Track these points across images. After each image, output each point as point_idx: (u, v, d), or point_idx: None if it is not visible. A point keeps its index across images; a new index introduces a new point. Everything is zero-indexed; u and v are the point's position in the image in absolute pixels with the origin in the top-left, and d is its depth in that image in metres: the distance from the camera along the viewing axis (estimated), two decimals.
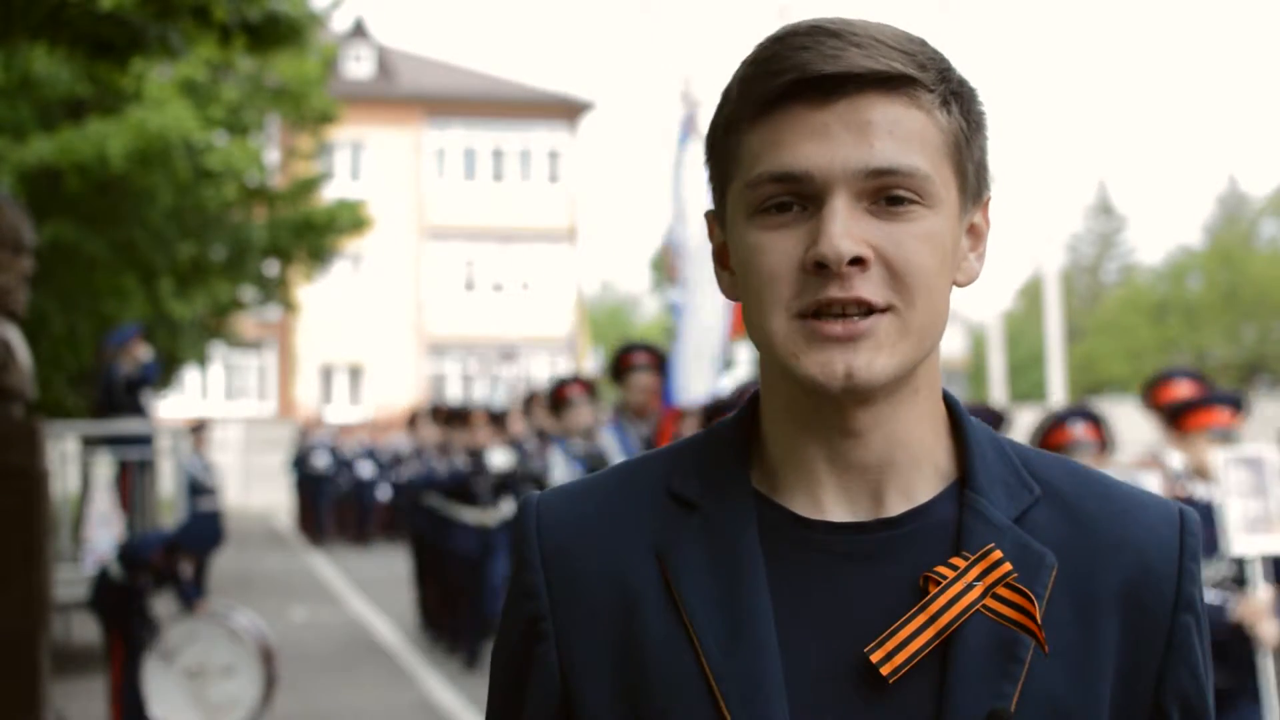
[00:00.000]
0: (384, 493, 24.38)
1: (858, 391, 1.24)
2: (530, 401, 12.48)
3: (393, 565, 19.72)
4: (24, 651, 5.32)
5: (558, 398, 8.32)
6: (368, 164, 40.33)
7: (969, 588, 1.24)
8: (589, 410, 8.28)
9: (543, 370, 40.81)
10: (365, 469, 24.70)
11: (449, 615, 12.61)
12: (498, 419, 12.53)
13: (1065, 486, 1.33)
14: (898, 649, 1.23)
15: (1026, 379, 48.53)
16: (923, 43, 1.27)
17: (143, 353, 12.44)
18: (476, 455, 12.06)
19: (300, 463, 25.42)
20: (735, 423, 1.36)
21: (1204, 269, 50.20)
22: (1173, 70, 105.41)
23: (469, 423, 12.55)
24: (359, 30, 41.04)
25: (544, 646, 1.31)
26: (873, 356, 1.22)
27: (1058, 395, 28.52)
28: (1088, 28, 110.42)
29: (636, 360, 7.55)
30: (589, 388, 8.46)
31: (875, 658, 1.22)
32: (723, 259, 1.34)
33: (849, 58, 1.21)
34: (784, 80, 1.23)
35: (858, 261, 1.21)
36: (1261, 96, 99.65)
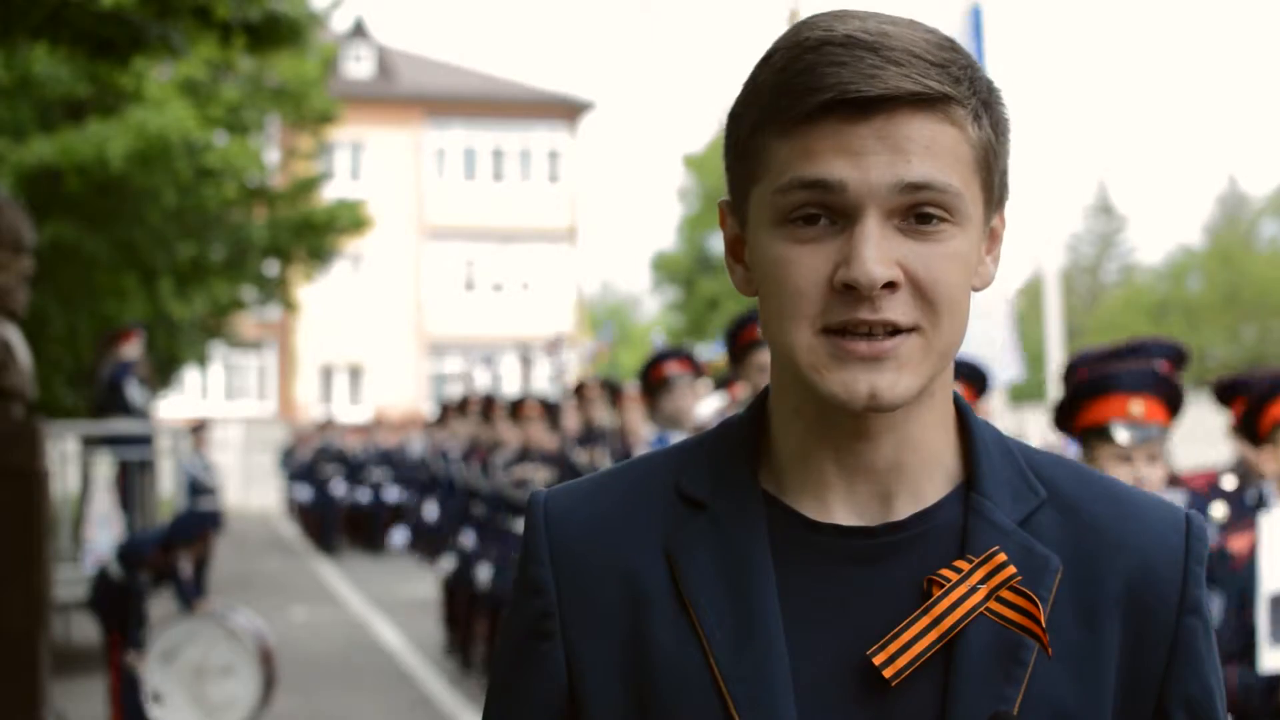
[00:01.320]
0: (395, 498, 22.25)
1: (881, 410, 1.24)
2: (581, 392, 10.20)
3: (408, 577, 19.71)
4: (24, 651, 5.32)
5: (653, 379, 6.71)
6: (368, 164, 40.33)
7: (972, 590, 1.24)
8: (694, 394, 6.76)
9: (541, 371, 40.79)
10: (378, 475, 22.91)
11: (490, 638, 10.94)
12: (550, 410, 10.63)
13: (1071, 489, 1.33)
14: (900, 651, 1.23)
15: (1026, 379, 48.57)
16: (953, 47, 1.26)
17: (127, 350, 12.36)
18: (526, 454, 10.22)
19: (308, 470, 23.75)
20: (745, 421, 1.36)
21: (1204, 269, 50.20)
22: (1173, 70, 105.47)
23: (520, 416, 10.52)
24: (359, 30, 41.03)
25: (550, 644, 1.31)
26: (897, 377, 1.22)
27: (1057, 395, 28.51)
28: (1088, 28, 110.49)
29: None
30: (693, 365, 6.91)
31: (878, 660, 1.22)
32: (736, 252, 1.33)
33: (887, 77, 1.20)
34: (821, 99, 1.21)
35: (888, 285, 1.21)
36: (1261, 96, 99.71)
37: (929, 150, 1.22)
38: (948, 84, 1.22)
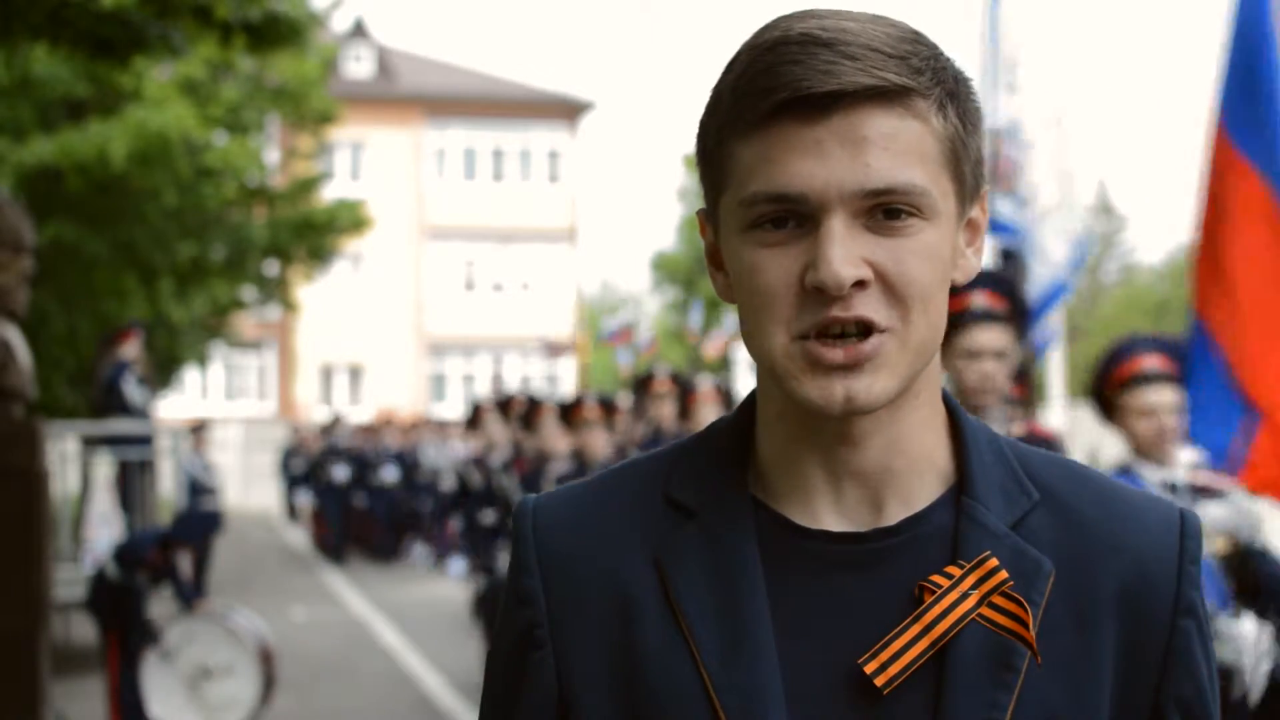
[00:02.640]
0: (422, 505, 20.50)
1: (858, 414, 1.23)
2: (644, 388, 8.63)
3: (409, 578, 19.62)
4: (24, 651, 5.32)
5: None
6: (368, 164, 40.32)
7: (964, 597, 1.23)
8: None
9: (543, 370, 40.81)
10: (390, 475, 21.13)
11: None
12: (611, 413, 8.67)
13: (1064, 490, 1.31)
14: (892, 660, 1.22)
15: None
16: (915, 39, 1.24)
17: (126, 349, 12.36)
18: (584, 467, 8.15)
19: (313, 471, 21.93)
20: (733, 425, 1.35)
21: None
22: (1173, 70, 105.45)
23: (576, 420, 8.33)
24: (359, 30, 41.02)
25: (540, 654, 1.31)
26: (873, 380, 1.21)
27: (1058, 395, 28.49)
28: (1087, 27, 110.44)
29: (976, 302, 4.10)
30: None
31: (869, 669, 1.22)
32: (715, 259, 1.32)
33: (842, 72, 1.19)
34: (776, 99, 1.20)
35: (858, 284, 1.20)
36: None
37: (888, 149, 1.20)
38: (907, 75, 1.21)
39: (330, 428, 23.42)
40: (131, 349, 12.36)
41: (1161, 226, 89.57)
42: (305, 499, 22.69)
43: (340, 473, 21.17)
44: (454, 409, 33.15)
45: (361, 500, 21.14)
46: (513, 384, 38.87)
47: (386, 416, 24.12)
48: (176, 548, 8.09)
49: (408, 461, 21.36)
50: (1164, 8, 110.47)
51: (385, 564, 20.36)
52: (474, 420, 13.06)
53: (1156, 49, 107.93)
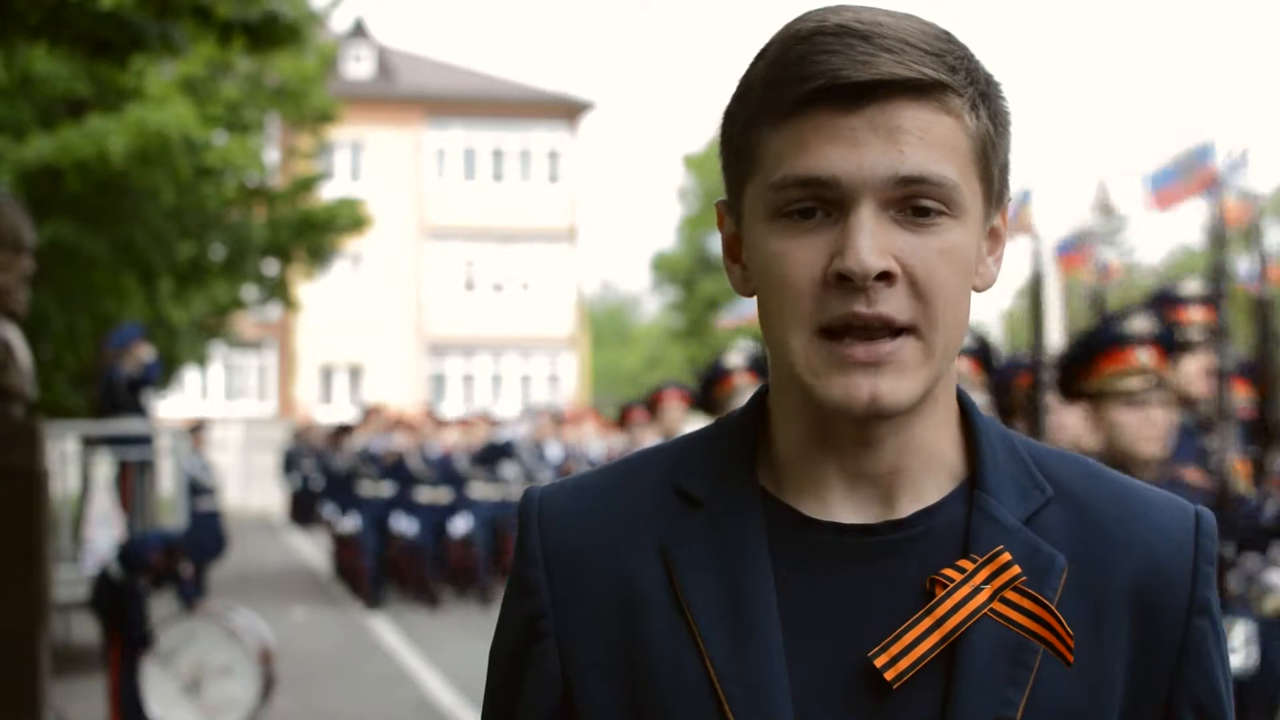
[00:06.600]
0: (462, 526, 16.05)
1: (882, 416, 1.22)
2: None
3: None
4: (24, 651, 5.31)
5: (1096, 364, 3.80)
6: (368, 164, 40.29)
7: (976, 591, 1.22)
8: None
9: (542, 370, 40.81)
10: (437, 497, 16.20)
11: None
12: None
13: (1078, 486, 1.30)
14: (902, 654, 1.21)
15: None
16: (949, 38, 1.24)
17: (145, 353, 12.45)
18: None
19: (343, 485, 17.32)
20: (744, 418, 1.33)
21: (1204, 269, 50.18)
22: (1173, 70, 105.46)
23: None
24: (359, 30, 40.99)
25: (544, 645, 1.29)
26: (896, 382, 1.20)
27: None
28: (1088, 27, 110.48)
29: None
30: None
31: (879, 662, 1.20)
32: (733, 251, 1.31)
33: (880, 63, 1.19)
34: (812, 86, 1.20)
35: (883, 276, 1.19)
36: (1262, 97, 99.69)
37: (923, 140, 1.20)
38: (943, 72, 1.21)
39: (363, 423, 18.43)
40: (148, 352, 12.48)
41: (1161, 226, 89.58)
42: (335, 515, 17.83)
43: (387, 490, 16.44)
44: (453, 409, 33.11)
45: (404, 525, 16.20)
46: (512, 386, 38.85)
47: (426, 411, 19.72)
48: (183, 558, 8.09)
49: (453, 475, 16.53)
50: (1166, 8, 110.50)
51: (430, 612, 15.49)
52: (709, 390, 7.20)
53: (1158, 49, 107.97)
